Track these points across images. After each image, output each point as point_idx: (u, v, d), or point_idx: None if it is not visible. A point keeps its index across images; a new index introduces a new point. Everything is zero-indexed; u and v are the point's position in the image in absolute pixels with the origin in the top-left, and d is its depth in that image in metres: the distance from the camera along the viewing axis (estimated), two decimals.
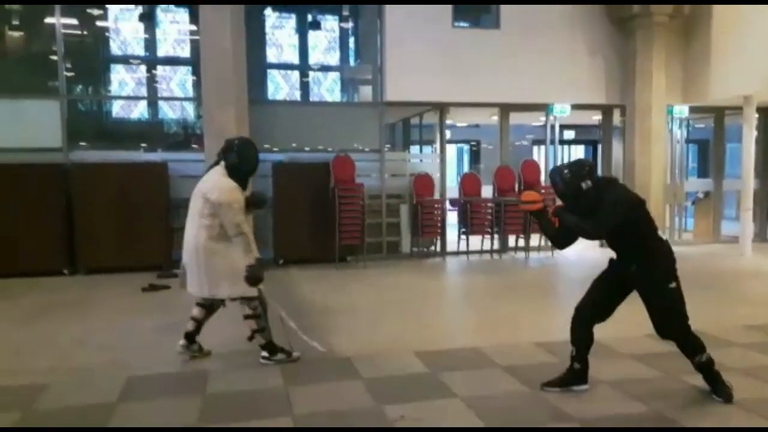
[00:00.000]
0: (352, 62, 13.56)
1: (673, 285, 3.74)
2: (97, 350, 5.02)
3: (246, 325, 4.48)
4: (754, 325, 5.54)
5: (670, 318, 3.77)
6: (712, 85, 10.27)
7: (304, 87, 13.54)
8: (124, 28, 11.91)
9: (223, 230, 4.31)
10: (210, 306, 4.66)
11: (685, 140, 12.24)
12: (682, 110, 11.16)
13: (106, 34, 11.91)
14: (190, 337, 4.66)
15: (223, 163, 4.42)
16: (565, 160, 18.03)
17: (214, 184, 4.33)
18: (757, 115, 10.59)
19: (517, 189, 10.33)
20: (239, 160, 4.43)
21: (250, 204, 4.60)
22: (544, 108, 10.74)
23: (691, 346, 3.82)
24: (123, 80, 12.20)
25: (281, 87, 13.20)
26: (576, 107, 10.74)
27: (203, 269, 4.37)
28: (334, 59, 13.48)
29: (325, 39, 13.25)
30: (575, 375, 3.96)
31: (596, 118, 12.00)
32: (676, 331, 3.79)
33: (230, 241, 4.31)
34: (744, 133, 10.23)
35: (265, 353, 4.51)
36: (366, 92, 11.92)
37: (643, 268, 3.74)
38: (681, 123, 11.77)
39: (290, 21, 13.03)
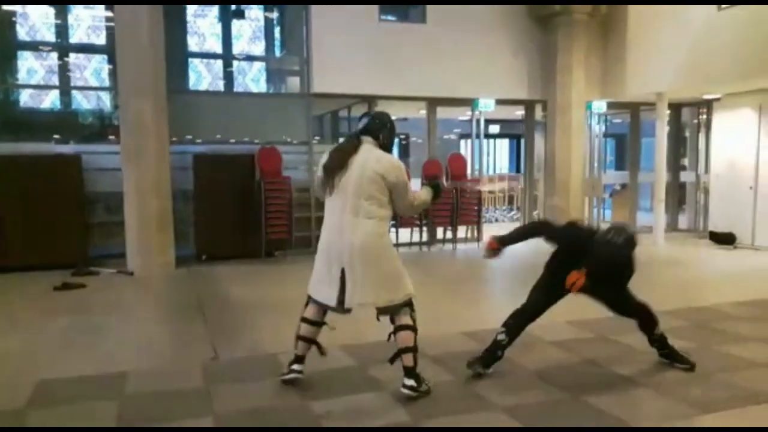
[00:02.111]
0: (278, 53, 13.32)
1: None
2: (2, 353, 4.69)
3: (399, 339, 3.71)
4: (666, 310, 5.79)
5: (625, 297, 4.21)
6: (628, 82, 10.72)
7: (228, 77, 13.19)
8: (32, 12, 11.21)
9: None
10: (322, 321, 3.93)
11: (603, 135, 12.75)
12: (600, 106, 11.59)
13: (13, 18, 11.18)
14: (302, 360, 3.93)
15: (371, 140, 3.74)
16: (491, 154, 18.30)
17: (390, 163, 3.66)
18: (668, 111, 11.14)
19: (444, 181, 10.45)
20: (391, 138, 3.88)
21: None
22: (470, 103, 10.90)
23: (647, 318, 4.25)
24: (32, 68, 11.50)
25: (204, 76, 12.81)
26: (500, 102, 10.95)
27: (380, 270, 3.62)
28: (259, 49, 13.20)
29: (250, 28, 12.95)
30: (495, 360, 4.10)
31: (519, 113, 12.30)
32: (634, 305, 4.22)
33: None
34: (657, 128, 10.73)
35: (412, 381, 3.67)
36: (293, 83, 11.73)
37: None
38: (599, 118, 12.24)
39: (213, 9, 12.64)
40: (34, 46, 11.56)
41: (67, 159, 8.43)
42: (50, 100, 11.61)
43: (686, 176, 12.84)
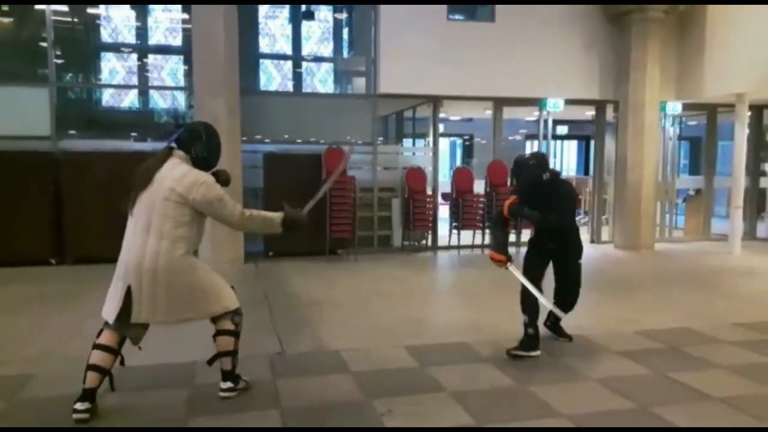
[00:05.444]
0: (345, 53, 13.50)
1: (581, 261, 4.70)
2: (85, 340, 4.90)
3: (217, 345, 3.69)
4: (741, 323, 5.56)
5: (576, 287, 4.69)
6: (706, 82, 10.28)
7: (297, 78, 13.48)
8: (115, 15, 11.78)
9: (197, 240, 3.60)
10: (119, 347, 3.56)
11: (678, 137, 12.28)
12: (675, 107, 11.17)
13: (97, 21, 11.79)
14: (93, 397, 3.45)
15: (181, 154, 3.58)
16: (558, 155, 18.07)
17: (193, 180, 3.45)
18: (749, 113, 10.62)
19: (509, 183, 10.32)
20: (208, 150, 3.65)
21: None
22: (538, 103, 10.73)
23: (571, 308, 4.73)
24: (114, 68, 12.10)
25: (274, 77, 13.13)
26: (569, 102, 10.72)
27: (176, 291, 3.45)
28: (327, 50, 13.41)
29: (319, 29, 13.18)
30: (531, 339, 4.53)
31: (589, 113, 12.00)
32: (575, 297, 4.72)
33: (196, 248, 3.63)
34: (736, 131, 10.25)
35: (229, 384, 3.74)
36: (359, 84, 11.87)
37: (561, 245, 4.59)
38: (674, 120, 11.80)
39: (283, 11, 12.93)
40: (115, 48, 12.15)
41: (144, 156, 8.77)
42: (129, 100, 12.18)
43: (766, 182, 12.21)
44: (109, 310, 3.48)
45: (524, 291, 4.57)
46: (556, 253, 4.62)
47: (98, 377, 3.45)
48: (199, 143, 3.62)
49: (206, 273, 3.62)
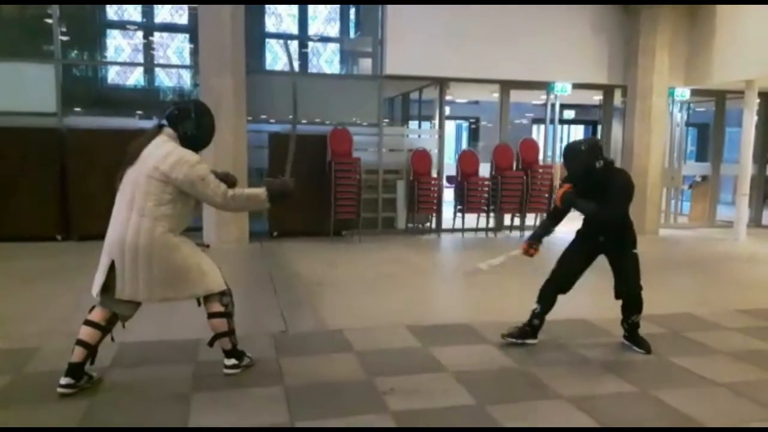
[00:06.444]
0: (352, 34, 13.40)
1: (636, 251, 4.29)
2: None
3: (211, 327, 3.69)
4: (745, 310, 5.57)
5: (632, 277, 4.25)
6: (715, 69, 10.18)
7: (303, 58, 13.40)
8: None
9: (182, 219, 3.55)
10: (108, 325, 3.58)
11: (685, 123, 12.20)
12: (683, 93, 11.08)
13: None
14: (78, 372, 3.48)
15: (170, 131, 3.55)
16: (564, 140, 18.05)
17: (177, 159, 3.41)
18: (758, 100, 10.53)
19: (515, 167, 10.30)
20: (198, 129, 3.59)
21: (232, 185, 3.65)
22: (545, 86, 10.65)
23: (637, 304, 4.31)
24: (119, 46, 12.04)
25: (280, 57, 13.06)
26: (577, 86, 10.65)
27: (157, 269, 3.41)
28: (334, 30, 13.32)
29: (325, 9, 13.07)
30: (533, 330, 4.41)
31: (597, 98, 11.92)
32: (634, 288, 4.27)
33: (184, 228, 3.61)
34: (744, 118, 10.19)
35: (233, 360, 3.76)
36: (365, 65, 11.79)
37: (612, 238, 4.23)
38: (682, 106, 11.71)
39: None
40: (121, 25, 12.08)
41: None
42: (135, 78, 12.14)
43: None
44: (94, 284, 3.54)
45: (548, 281, 4.42)
46: (606, 246, 4.27)
47: (83, 352, 3.47)
48: (188, 121, 3.58)
49: (192, 254, 3.58)
